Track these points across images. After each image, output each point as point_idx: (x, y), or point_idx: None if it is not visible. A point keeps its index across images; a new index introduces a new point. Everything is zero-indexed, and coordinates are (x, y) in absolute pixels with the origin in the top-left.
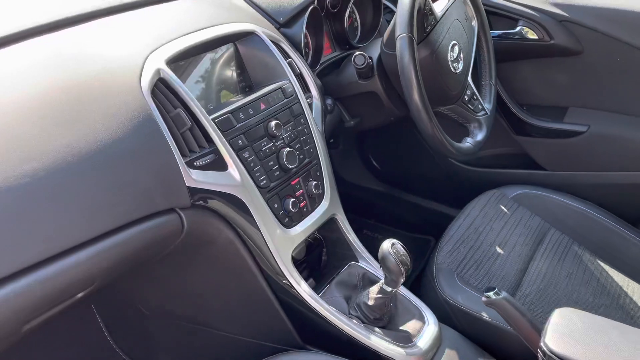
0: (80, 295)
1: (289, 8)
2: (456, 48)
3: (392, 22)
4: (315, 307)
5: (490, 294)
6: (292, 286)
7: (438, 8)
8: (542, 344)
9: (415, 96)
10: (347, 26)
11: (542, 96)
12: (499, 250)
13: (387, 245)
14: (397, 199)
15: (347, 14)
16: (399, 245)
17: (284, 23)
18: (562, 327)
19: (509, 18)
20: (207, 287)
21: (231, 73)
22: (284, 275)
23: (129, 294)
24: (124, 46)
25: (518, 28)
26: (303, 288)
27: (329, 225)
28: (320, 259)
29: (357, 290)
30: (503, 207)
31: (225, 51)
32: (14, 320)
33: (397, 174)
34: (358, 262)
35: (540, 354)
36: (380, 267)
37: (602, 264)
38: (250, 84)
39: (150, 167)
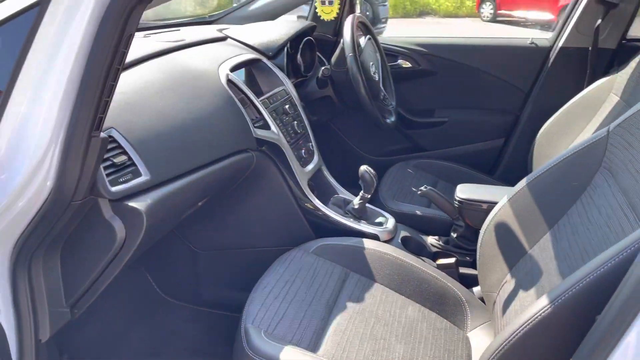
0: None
1: (274, 45)
2: (373, 66)
3: (337, 51)
4: (326, 212)
5: (422, 188)
6: (311, 201)
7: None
8: (455, 197)
9: (362, 90)
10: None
11: (417, 103)
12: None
13: (363, 168)
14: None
15: (299, 54)
16: (368, 167)
17: (272, 56)
18: (464, 189)
19: (392, 55)
20: (254, 213)
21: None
22: (305, 195)
23: (185, 237)
24: (204, 63)
25: (398, 61)
26: (317, 203)
27: (317, 174)
28: None
29: (343, 206)
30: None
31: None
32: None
33: None
34: (338, 194)
35: (456, 204)
36: (360, 181)
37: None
38: (259, 89)
39: (236, 124)
